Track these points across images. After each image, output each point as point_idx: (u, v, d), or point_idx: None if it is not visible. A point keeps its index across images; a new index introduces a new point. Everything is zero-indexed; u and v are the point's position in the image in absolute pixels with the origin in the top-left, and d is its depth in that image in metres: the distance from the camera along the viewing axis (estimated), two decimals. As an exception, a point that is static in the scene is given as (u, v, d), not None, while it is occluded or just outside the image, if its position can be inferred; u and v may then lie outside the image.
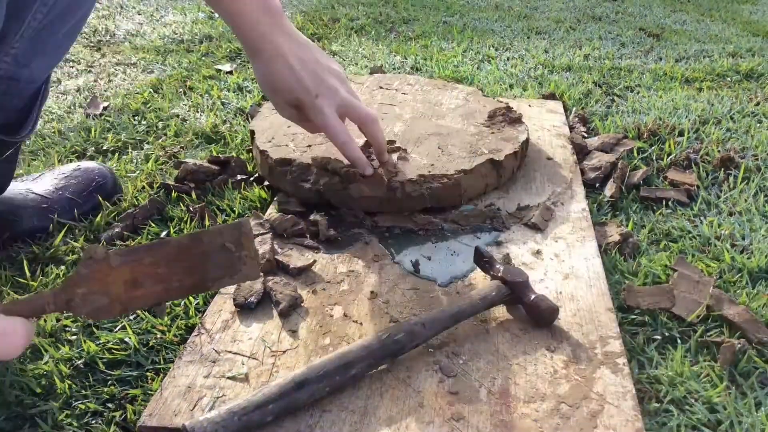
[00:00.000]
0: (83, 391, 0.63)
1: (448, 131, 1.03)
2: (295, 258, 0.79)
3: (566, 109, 1.28)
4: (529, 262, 0.79)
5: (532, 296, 0.69)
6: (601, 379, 0.61)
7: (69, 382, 0.64)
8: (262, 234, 0.83)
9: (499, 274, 0.71)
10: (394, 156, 0.94)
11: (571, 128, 1.18)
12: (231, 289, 0.73)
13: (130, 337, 0.69)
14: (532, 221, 0.87)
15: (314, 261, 0.79)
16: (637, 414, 0.58)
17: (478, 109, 1.12)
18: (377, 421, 0.57)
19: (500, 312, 0.70)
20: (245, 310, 0.71)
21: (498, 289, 0.70)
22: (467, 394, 0.60)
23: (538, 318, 0.68)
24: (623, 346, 0.65)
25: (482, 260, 0.75)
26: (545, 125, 1.18)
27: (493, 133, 1.03)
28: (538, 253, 0.81)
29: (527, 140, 1.03)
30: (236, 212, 0.93)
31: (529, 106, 1.27)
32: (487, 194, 0.94)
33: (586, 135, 1.17)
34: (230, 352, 0.65)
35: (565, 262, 0.79)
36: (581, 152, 1.08)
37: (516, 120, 1.06)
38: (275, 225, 0.84)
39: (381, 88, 1.23)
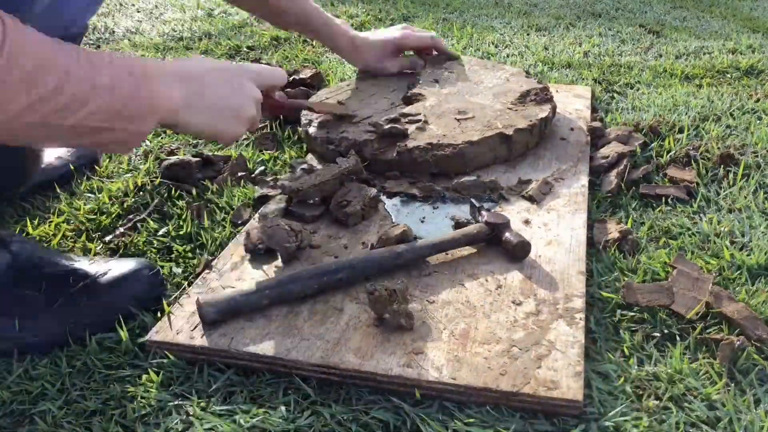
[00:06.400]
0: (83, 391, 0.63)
1: (474, 107, 1.10)
2: (307, 209, 0.87)
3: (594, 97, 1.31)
4: (517, 229, 0.82)
5: (508, 233, 0.78)
6: (555, 329, 0.67)
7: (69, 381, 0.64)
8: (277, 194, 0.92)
9: (484, 219, 0.80)
10: (413, 126, 1.03)
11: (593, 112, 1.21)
12: (242, 238, 0.82)
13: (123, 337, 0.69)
14: (529, 194, 0.91)
15: (325, 210, 0.87)
16: (581, 360, 0.62)
17: (514, 88, 1.17)
18: (346, 350, 0.64)
19: (478, 269, 0.76)
20: (255, 255, 0.79)
21: (480, 229, 0.79)
22: (431, 334, 0.66)
23: (511, 252, 0.77)
24: (585, 304, 0.69)
25: (473, 209, 0.86)
26: (568, 109, 1.22)
27: (516, 110, 1.08)
28: (527, 222, 0.85)
29: (546, 118, 1.07)
30: (235, 210, 0.93)
31: (557, 91, 1.30)
32: (493, 167, 1.00)
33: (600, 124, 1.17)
34: (233, 288, 0.73)
35: (551, 231, 0.84)
36: (597, 139, 1.11)
37: (546, 101, 1.12)
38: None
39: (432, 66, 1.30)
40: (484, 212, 0.82)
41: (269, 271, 0.77)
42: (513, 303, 0.70)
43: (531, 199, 0.91)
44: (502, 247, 0.78)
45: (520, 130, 1.01)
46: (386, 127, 1.00)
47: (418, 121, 1.05)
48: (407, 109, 1.10)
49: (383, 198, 0.93)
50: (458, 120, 1.05)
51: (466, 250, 0.79)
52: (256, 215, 0.88)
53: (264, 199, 0.92)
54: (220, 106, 0.73)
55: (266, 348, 0.64)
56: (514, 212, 0.87)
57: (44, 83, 0.55)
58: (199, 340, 0.66)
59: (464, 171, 0.98)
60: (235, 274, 0.76)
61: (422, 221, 0.88)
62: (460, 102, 1.13)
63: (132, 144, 0.65)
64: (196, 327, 0.67)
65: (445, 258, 0.78)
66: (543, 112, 1.07)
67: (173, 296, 0.75)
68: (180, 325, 0.68)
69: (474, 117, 1.06)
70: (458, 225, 0.84)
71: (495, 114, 1.07)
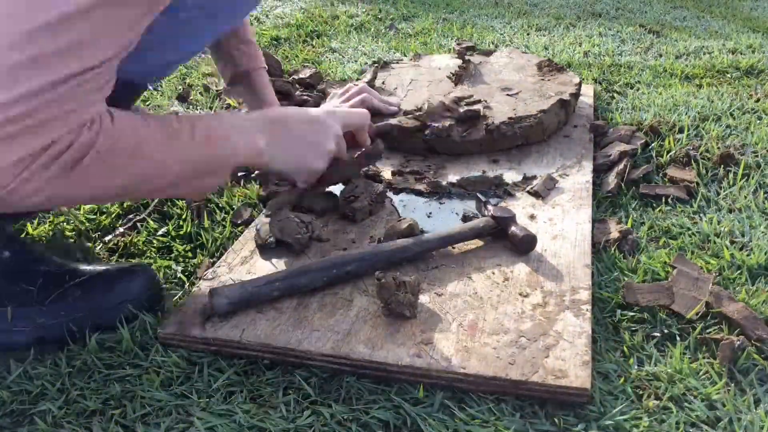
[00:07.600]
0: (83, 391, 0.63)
1: (511, 83, 1.20)
2: (318, 203, 0.88)
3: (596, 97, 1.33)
4: (523, 224, 0.83)
5: (514, 227, 0.79)
6: (562, 320, 0.67)
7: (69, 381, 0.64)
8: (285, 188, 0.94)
9: (490, 213, 0.81)
10: (479, 106, 1.09)
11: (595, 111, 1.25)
12: (252, 233, 0.83)
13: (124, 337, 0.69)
14: (534, 189, 0.93)
15: (335, 204, 0.88)
16: (588, 350, 0.63)
17: (525, 63, 1.29)
18: (357, 341, 0.65)
19: (485, 263, 0.77)
20: (265, 249, 0.80)
21: (487, 222, 0.80)
22: (440, 325, 0.67)
23: (518, 245, 0.78)
24: (591, 296, 0.70)
25: (479, 203, 0.87)
26: None
27: (549, 80, 1.20)
28: (533, 217, 0.87)
29: (580, 83, 1.19)
30: (235, 209, 0.93)
31: None
32: (500, 164, 1.03)
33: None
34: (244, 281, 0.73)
35: (557, 225, 0.85)
36: (601, 137, 1.12)
37: (562, 68, 1.24)
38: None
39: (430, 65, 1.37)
40: (490, 206, 0.83)
41: (279, 264, 0.78)
42: (520, 295, 0.71)
43: (536, 194, 0.92)
44: (508, 241, 0.79)
45: (573, 94, 1.13)
46: (462, 110, 1.06)
47: (476, 102, 1.11)
48: (455, 93, 1.16)
49: (390, 194, 0.94)
50: (510, 96, 1.13)
51: (473, 244, 0.80)
52: (264, 210, 0.89)
53: (272, 196, 0.93)
54: (300, 144, 0.77)
55: (278, 339, 0.65)
56: (520, 207, 0.88)
57: (132, 166, 0.60)
58: (212, 331, 0.66)
59: (542, 138, 1.07)
60: (245, 267, 0.77)
61: (429, 216, 0.89)
62: (492, 81, 1.22)
63: (209, 191, 0.70)
64: (208, 319, 0.68)
65: (452, 252, 0.79)
66: (574, 78, 1.19)
67: (180, 292, 0.76)
68: (192, 317, 0.69)
69: (521, 91, 1.15)
70: (465, 219, 0.85)
71: (535, 86, 1.17)
